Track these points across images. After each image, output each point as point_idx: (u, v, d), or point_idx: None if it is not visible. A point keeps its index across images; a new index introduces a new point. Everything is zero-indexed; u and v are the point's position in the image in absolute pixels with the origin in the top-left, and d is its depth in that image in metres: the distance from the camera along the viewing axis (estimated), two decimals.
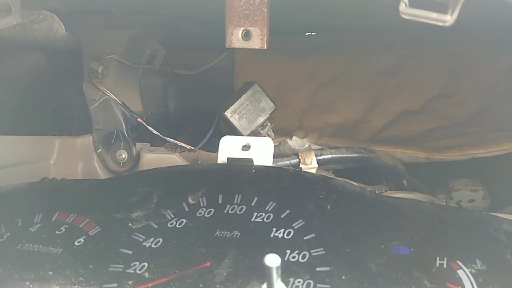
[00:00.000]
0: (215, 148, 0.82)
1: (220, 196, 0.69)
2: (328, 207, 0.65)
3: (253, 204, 0.67)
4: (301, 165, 0.86)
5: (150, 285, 0.55)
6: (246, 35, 0.78)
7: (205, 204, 0.68)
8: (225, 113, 0.98)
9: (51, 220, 0.68)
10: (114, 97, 0.95)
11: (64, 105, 1.21)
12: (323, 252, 0.57)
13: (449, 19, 0.51)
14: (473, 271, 0.54)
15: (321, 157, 0.87)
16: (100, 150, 0.98)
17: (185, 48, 1.26)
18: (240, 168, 0.76)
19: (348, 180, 0.80)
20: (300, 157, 0.87)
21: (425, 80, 1.17)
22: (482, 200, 0.94)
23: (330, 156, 0.88)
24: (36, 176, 0.82)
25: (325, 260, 0.56)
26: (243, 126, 0.98)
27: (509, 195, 0.91)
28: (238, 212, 0.66)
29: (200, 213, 0.66)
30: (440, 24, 0.52)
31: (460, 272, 0.54)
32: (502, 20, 0.87)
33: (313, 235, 0.60)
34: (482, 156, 0.96)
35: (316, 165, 0.87)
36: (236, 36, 0.79)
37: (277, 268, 0.45)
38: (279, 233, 0.61)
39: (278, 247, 0.59)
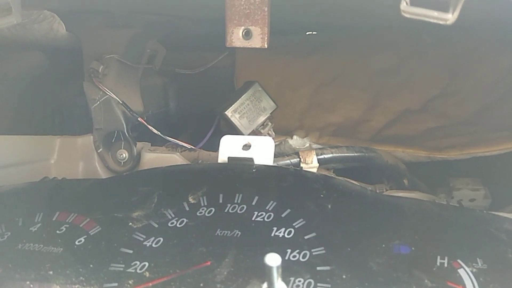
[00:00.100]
0: (215, 148, 0.82)
1: (221, 195, 0.69)
2: (329, 206, 0.65)
3: (253, 203, 0.67)
4: (301, 165, 0.86)
5: (150, 284, 0.55)
6: (247, 34, 0.78)
7: (205, 204, 0.68)
8: (225, 112, 0.98)
9: (52, 220, 0.68)
10: (114, 96, 0.95)
11: (65, 105, 1.21)
12: (323, 252, 0.57)
13: (450, 17, 0.51)
14: (474, 270, 0.54)
15: (321, 157, 0.87)
16: (100, 149, 0.98)
17: (186, 48, 1.26)
18: (240, 167, 0.76)
19: (348, 180, 0.80)
20: (301, 157, 0.87)
21: (425, 80, 1.17)
22: (483, 199, 0.94)
23: (331, 155, 0.88)
24: (37, 176, 0.82)
25: (325, 260, 0.56)
26: (244, 126, 0.98)
27: (510, 194, 0.91)
28: (238, 211, 0.66)
29: (201, 213, 0.66)
30: (441, 22, 0.52)
31: (461, 271, 0.54)
32: (503, 20, 0.87)
33: (313, 234, 0.60)
34: (483, 155, 0.96)
35: (317, 165, 0.87)
36: (236, 35, 0.79)
37: (277, 267, 0.45)
38: (280, 233, 0.61)
39: (279, 247, 0.58)
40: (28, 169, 0.91)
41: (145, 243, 0.62)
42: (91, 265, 0.58)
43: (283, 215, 0.64)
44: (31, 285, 0.56)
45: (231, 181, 0.73)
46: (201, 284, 0.54)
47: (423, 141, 1.05)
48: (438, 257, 0.56)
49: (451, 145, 0.99)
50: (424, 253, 0.57)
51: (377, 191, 0.85)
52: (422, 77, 1.18)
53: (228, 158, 0.78)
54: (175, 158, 0.92)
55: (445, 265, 0.55)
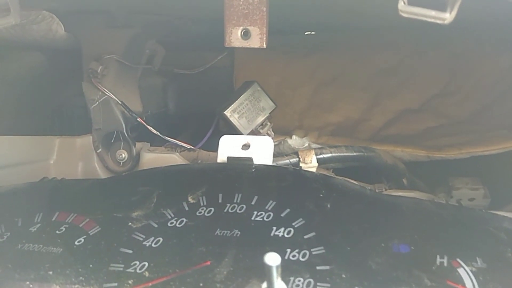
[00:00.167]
0: (215, 148, 0.82)
1: (220, 195, 0.69)
2: (328, 205, 0.65)
3: (253, 203, 0.67)
4: (301, 164, 0.86)
5: (150, 284, 0.55)
6: (245, 35, 0.79)
7: (205, 203, 0.68)
8: (224, 112, 0.98)
9: (51, 220, 0.68)
10: (113, 97, 0.95)
11: (64, 105, 1.21)
12: (323, 251, 0.57)
13: (448, 17, 0.51)
14: (474, 269, 0.54)
15: (321, 156, 0.87)
16: (100, 150, 0.98)
17: (185, 48, 1.26)
18: (240, 167, 0.76)
19: (348, 179, 0.80)
20: (300, 156, 0.87)
21: (425, 79, 1.17)
22: (483, 198, 0.94)
23: (330, 155, 0.88)
24: (36, 176, 0.82)
25: (325, 259, 0.56)
26: (243, 126, 0.98)
27: (509, 193, 0.91)
28: (238, 211, 0.66)
29: (200, 212, 0.66)
30: (439, 22, 0.52)
31: (460, 270, 0.54)
32: (502, 19, 0.87)
33: (313, 234, 0.60)
34: (482, 154, 0.96)
35: (316, 164, 0.87)
36: (235, 36, 0.79)
37: (277, 266, 0.45)
38: (279, 232, 0.61)
39: (278, 246, 0.59)
40: (27, 170, 0.91)
41: (144, 243, 0.62)
42: (91, 265, 0.58)
43: (282, 215, 0.64)
44: (31, 285, 0.56)
45: (230, 181, 0.73)
46: (201, 284, 0.54)
47: (423, 140, 1.05)
48: (438, 256, 0.56)
49: (450, 145, 0.99)
50: (423, 252, 0.57)
51: (376, 191, 0.85)
52: (422, 76, 1.18)
53: (227, 158, 0.78)
54: (175, 158, 0.92)
55: (445, 264, 0.55)
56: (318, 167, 0.88)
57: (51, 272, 0.57)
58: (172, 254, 0.59)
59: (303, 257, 0.57)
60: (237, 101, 0.98)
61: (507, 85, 1.10)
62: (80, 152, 0.99)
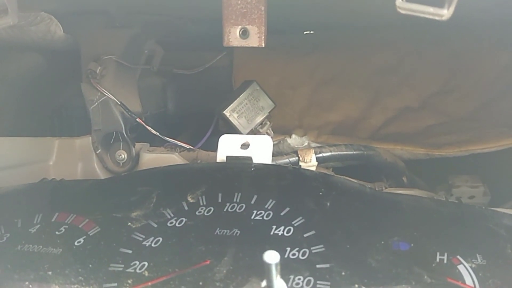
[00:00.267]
0: (214, 148, 0.82)
1: (220, 194, 0.68)
2: (328, 204, 0.65)
3: (252, 202, 0.67)
4: (300, 163, 0.86)
5: (150, 284, 0.55)
6: (244, 34, 0.79)
7: (204, 203, 0.67)
8: (224, 112, 0.98)
9: (51, 221, 0.68)
10: (112, 97, 0.95)
11: (63, 106, 1.21)
12: (323, 249, 0.57)
13: (445, 13, 0.51)
14: (474, 266, 0.54)
15: (320, 155, 0.87)
16: (99, 150, 0.98)
17: (184, 48, 1.26)
18: (239, 166, 0.76)
19: (347, 178, 0.80)
20: (299, 155, 0.87)
21: (424, 77, 1.17)
22: (483, 196, 0.94)
23: (329, 153, 0.88)
24: (36, 177, 0.81)
25: (325, 257, 0.56)
26: (242, 125, 0.98)
27: (509, 191, 0.91)
28: (237, 210, 0.66)
29: (200, 212, 0.66)
30: (437, 18, 0.52)
31: (460, 267, 0.54)
32: (499, 16, 0.87)
33: (313, 232, 0.60)
34: (482, 152, 0.96)
35: (316, 163, 0.87)
36: (234, 35, 0.79)
37: (276, 264, 0.45)
38: (279, 231, 0.61)
39: (278, 245, 0.58)
40: (26, 171, 0.91)
41: (144, 243, 0.62)
42: (90, 265, 0.58)
43: (282, 214, 0.64)
44: (30, 286, 0.56)
45: (229, 180, 0.73)
46: (200, 283, 0.54)
47: (422, 138, 1.05)
48: (438, 254, 0.56)
49: (450, 142, 0.99)
50: (423, 250, 0.57)
51: (376, 189, 0.85)
52: (421, 75, 1.18)
53: (227, 157, 0.78)
54: (174, 159, 0.92)
55: (445, 261, 0.55)
56: (317, 166, 0.88)
57: (50, 273, 0.57)
58: (171, 254, 0.59)
59: (303, 255, 0.57)
60: (236, 101, 0.98)
61: (506, 83, 1.10)
62: (80, 153, 0.99)
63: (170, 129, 1.06)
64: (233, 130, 0.98)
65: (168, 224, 0.64)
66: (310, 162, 0.87)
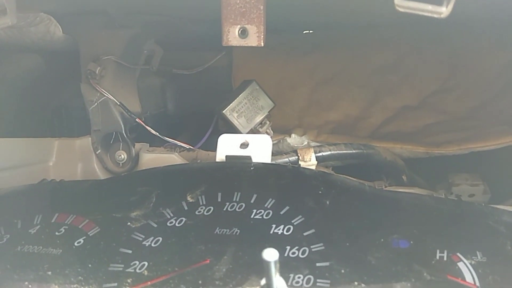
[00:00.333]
0: (214, 148, 0.82)
1: (219, 194, 0.68)
2: (327, 202, 0.65)
3: (252, 201, 0.67)
4: (300, 162, 0.86)
5: (149, 283, 0.55)
6: (243, 33, 0.78)
7: (204, 202, 0.67)
8: (223, 111, 0.98)
9: (51, 222, 0.68)
10: (112, 98, 0.95)
11: (63, 107, 1.21)
12: (322, 248, 0.57)
13: (444, 11, 0.51)
14: (474, 263, 0.54)
15: (320, 154, 0.87)
16: (99, 151, 0.98)
17: (183, 48, 1.26)
18: (238, 165, 0.76)
19: (347, 177, 0.80)
20: (299, 154, 0.87)
21: (424, 76, 1.17)
22: (482, 194, 0.94)
23: (329, 152, 0.88)
24: (35, 178, 0.81)
25: (325, 256, 0.56)
26: (242, 125, 0.98)
27: (509, 189, 0.91)
28: (237, 209, 0.66)
29: (199, 212, 0.66)
30: (435, 16, 0.52)
31: (460, 264, 0.54)
32: (499, 15, 0.87)
33: (312, 230, 0.60)
34: (482, 150, 0.96)
35: (315, 162, 0.87)
36: (233, 34, 0.79)
37: (275, 262, 0.45)
38: (279, 230, 0.61)
39: (278, 244, 0.58)
40: (26, 172, 0.91)
41: (144, 242, 0.62)
42: (90, 265, 0.58)
43: (281, 212, 0.64)
44: (30, 286, 0.56)
45: (229, 179, 0.73)
46: (200, 282, 0.54)
47: (422, 137, 1.05)
48: (438, 251, 0.56)
49: (449, 141, 0.99)
50: (423, 247, 0.57)
51: (376, 188, 0.85)
52: (421, 73, 1.18)
53: (226, 156, 0.78)
54: (174, 159, 0.92)
55: (445, 258, 0.55)
56: (317, 165, 0.88)
57: (50, 273, 0.57)
58: (171, 253, 0.59)
59: (302, 254, 0.57)
60: (236, 100, 0.98)
61: (506, 81, 1.10)
62: (79, 154, 0.99)
63: (170, 129, 1.06)
64: (232, 129, 0.98)
65: (168, 224, 0.64)
66: (309, 161, 0.87)
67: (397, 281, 0.52)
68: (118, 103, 0.95)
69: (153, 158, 0.94)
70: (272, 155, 0.80)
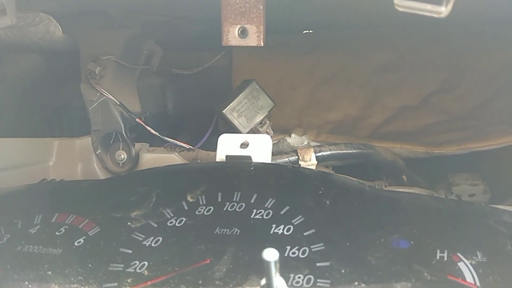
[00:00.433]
0: (214, 148, 0.82)
1: (219, 194, 0.69)
2: (328, 202, 0.65)
3: (252, 201, 0.67)
4: (300, 162, 0.86)
5: (149, 283, 0.55)
6: (243, 33, 0.79)
7: (204, 202, 0.67)
8: (223, 111, 0.98)
9: (51, 222, 0.68)
10: (112, 97, 0.95)
11: (63, 107, 1.21)
12: (323, 248, 0.57)
13: (443, 10, 0.51)
14: (474, 263, 0.54)
15: (320, 154, 0.87)
16: (99, 151, 0.98)
17: (183, 48, 1.26)
18: (238, 165, 0.76)
19: (347, 177, 0.80)
20: (299, 154, 0.87)
21: (424, 75, 1.17)
22: (482, 194, 0.94)
23: (329, 152, 0.88)
24: (35, 178, 0.81)
25: (325, 255, 0.56)
26: (242, 124, 0.98)
27: (509, 189, 0.91)
28: (237, 209, 0.66)
29: (200, 211, 0.66)
30: (435, 15, 0.52)
31: (460, 264, 0.54)
32: (498, 14, 0.87)
33: (312, 230, 0.60)
34: (481, 149, 0.96)
35: (315, 162, 0.87)
36: (232, 34, 0.79)
37: (275, 262, 0.45)
38: (279, 230, 0.61)
39: (278, 243, 0.58)
40: (26, 172, 0.91)
41: (144, 242, 0.62)
42: (90, 265, 0.58)
43: (282, 212, 0.64)
44: (30, 285, 0.56)
45: (229, 179, 0.73)
46: (200, 281, 0.53)
47: (422, 137, 1.05)
48: (438, 251, 0.56)
49: (449, 140, 0.99)
50: (423, 247, 0.57)
51: (376, 188, 0.85)
52: (421, 72, 1.18)
53: (226, 156, 0.78)
54: (174, 158, 0.92)
55: (445, 258, 0.55)
56: (317, 165, 0.88)
57: (50, 273, 0.57)
58: (171, 253, 0.59)
59: (303, 254, 0.57)
60: (235, 100, 0.98)
61: (506, 80, 1.10)
62: (79, 154, 0.99)
63: (170, 129, 1.06)
64: (232, 129, 0.98)
65: (168, 224, 0.64)
66: (309, 161, 0.87)
67: (397, 281, 0.52)
68: (118, 103, 0.95)
69: (153, 158, 0.94)
70: (272, 155, 0.80)
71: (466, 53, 1.14)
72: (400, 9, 0.53)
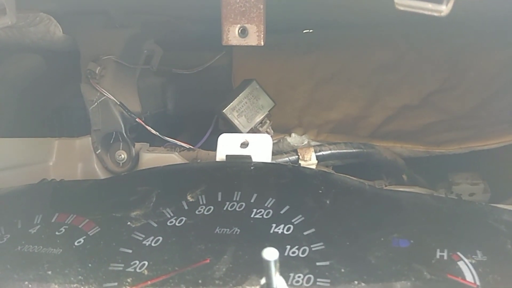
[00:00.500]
0: (214, 147, 0.82)
1: (219, 193, 0.69)
2: (328, 202, 0.65)
3: (252, 200, 0.67)
4: (300, 162, 0.86)
5: (149, 283, 0.55)
6: (243, 32, 0.79)
7: (204, 202, 0.68)
8: (224, 110, 0.98)
9: (51, 221, 0.68)
10: (112, 97, 0.95)
11: (63, 107, 1.21)
12: (323, 247, 0.57)
13: (444, 9, 0.51)
14: (474, 262, 0.54)
15: (320, 153, 0.87)
16: (99, 151, 0.98)
17: (183, 48, 1.26)
18: (238, 165, 0.76)
19: (347, 176, 0.80)
20: (299, 154, 0.87)
21: (424, 75, 1.17)
22: (483, 193, 0.93)
23: (329, 152, 0.88)
24: (36, 178, 0.81)
25: (325, 255, 0.56)
26: (242, 124, 0.98)
27: (509, 188, 0.90)
28: (237, 209, 0.66)
29: (200, 211, 0.66)
30: (435, 14, 0.52)
31: (460, 263, 0.54)
32: (499, 13, 0.86)
33: (312, 230, 0.60)
34: (482, 149, 0.95)
35: (316, 161, 0.87)
36: (232, 34, 0.79)
37: (275, 261, 0.45)
38: (279, 229, 0.61)
39: (278, 243, 0.58)
40: (26, 172, 0.91)
41: (144, 242, 0.62)
42: (90, 265, 0.58)
43: (282, 212, 0.64)
44: (30, 285, 0.56)
45: (229, 179, 0.73)
46: (200, 281, 0.54)
47: (422, 136, 1.05)
48: (438, 250, 0.56)
49: (449, 140, 0.99)
50: (423, 246, 0.57)
51: (377, 187, 0.85)
52: (421, 72, 1.17)
53: (226, 156, 0.78)
54: (174, 158, 0.92)
55: (445, 257, 0.55)
56: (317, 165, 0.88)
57: (50, 272, 0.57)
58: (171, 253, 0.59)
59: (302, 253, 0.57)
60: (236, 100, 0.98)
61: (506, 80, 1.10)
62: (79, 153, 0.99)
63: (170, 129, 1.06)
64: (233, 129, 0.98)
65: (168, 224, 0.64)
66: (310, 161, 0.87)
67: (397, 280, 0.52)
68: (118, 103, 0.95)
69: (153, 157, 0.94)
70: (272, 155, 0.80)
71: (466, 52, 1.14)
72: (401, 8, 0.53)
